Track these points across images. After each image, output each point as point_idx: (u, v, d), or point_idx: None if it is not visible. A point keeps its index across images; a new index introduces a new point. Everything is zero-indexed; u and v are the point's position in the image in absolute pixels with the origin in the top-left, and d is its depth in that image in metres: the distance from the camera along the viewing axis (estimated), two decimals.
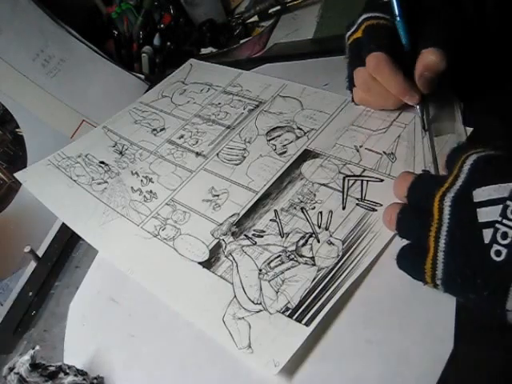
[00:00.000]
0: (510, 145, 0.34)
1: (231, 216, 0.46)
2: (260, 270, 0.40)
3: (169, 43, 0.76)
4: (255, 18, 0.75)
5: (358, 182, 0.43)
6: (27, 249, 0.52)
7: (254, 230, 0.43)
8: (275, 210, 0.44)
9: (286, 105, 0.55)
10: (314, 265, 0.39)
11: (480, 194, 0.30)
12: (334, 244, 0.39)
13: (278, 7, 0.73)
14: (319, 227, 0.41)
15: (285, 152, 0.49)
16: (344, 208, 0.42)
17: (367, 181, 0.43)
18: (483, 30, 0.43)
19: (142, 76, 0.75)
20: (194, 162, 0.53)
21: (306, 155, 0.48)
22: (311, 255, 0.39)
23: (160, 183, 0.53)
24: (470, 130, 0.42)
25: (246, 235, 0.43)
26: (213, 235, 0.45)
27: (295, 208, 0.44)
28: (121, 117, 0.65)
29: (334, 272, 0.37)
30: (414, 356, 0.32)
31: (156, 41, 0.76)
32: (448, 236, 0.31)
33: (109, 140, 0.61)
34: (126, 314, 0.43)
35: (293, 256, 0.40)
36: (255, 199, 0.46)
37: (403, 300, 0.35)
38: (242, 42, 0.74)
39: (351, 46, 0.45)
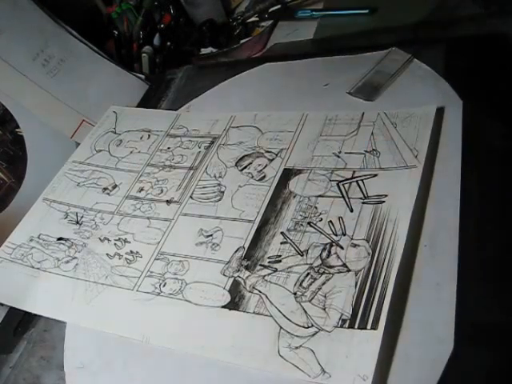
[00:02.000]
0: (509, 145, 0.35)
1: (236, 251, 0.43)
2: (295, 294, 0.38)
3: (169, 43, 0.74)
4: (255, 18, 0.75)
5: (354, 184, 0.44)
6: None
7: (269, 258, 0.41)
8: (282, 233, 0.43)
9: (243, 134, 0.55)
10: (348, 270, 0.38)
11: None
12: (359, 245, 0.39)
13: (278, 7, 0.72)
14: (336, 235, 0.41)
15: (264, 177, 0.49)
16: (352, 210, 0.42)
17: (362, 180, 0.44)
18: None
19: (142, 76, 0.72)
20: (167, 210, 0.50)
21: (289, 174, 0.48)
22: (341, 263, 0.39)
23: (139, 241, 0.48)
24: None
25: (262, 265, 0.41)
26: (224, 275, 0.42)
27: (302, 225, 0.43)
28: (58, 183, 0.58)
29: (373, 269, 0.37)
30: (414, 356, 0.32)
31: (156, 41, 0.74)
32: None
33: (57, 212, 0.55)
34: None
35: (322, 270, 0.39)
36: (255, 228, 0.44)
37: (403, 300, 0.35)
38: (242, 42, 0.73)
39: None
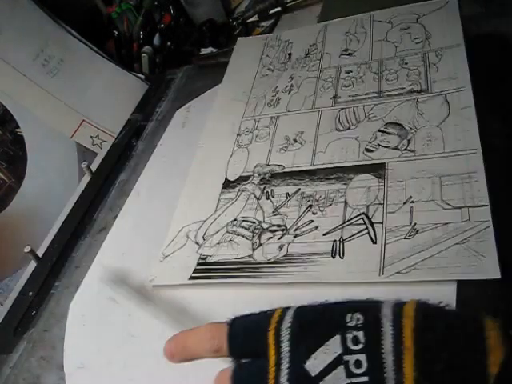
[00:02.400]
0: (510, 144, 0.35)
1: None
2: None
3: (169, 43, 0.74)
4: (255, 18, 0.75)
5: None
6: (27, 249, 0.53)
7: None
8: None
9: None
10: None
11: (314, 364, 0.25)
12: None
13: (279, 7, 0.73)
14: None
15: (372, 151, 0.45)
16: None
17: None
18: None
19: (142, 76, 0.73)
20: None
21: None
22: None
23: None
24: None
25: None
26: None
27: None
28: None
29: None
30: None
31: (156, 41, 0.74)
32: None
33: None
34: (126, 314, 0.43)
35: None
36: None
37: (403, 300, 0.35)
38: None
39: None
